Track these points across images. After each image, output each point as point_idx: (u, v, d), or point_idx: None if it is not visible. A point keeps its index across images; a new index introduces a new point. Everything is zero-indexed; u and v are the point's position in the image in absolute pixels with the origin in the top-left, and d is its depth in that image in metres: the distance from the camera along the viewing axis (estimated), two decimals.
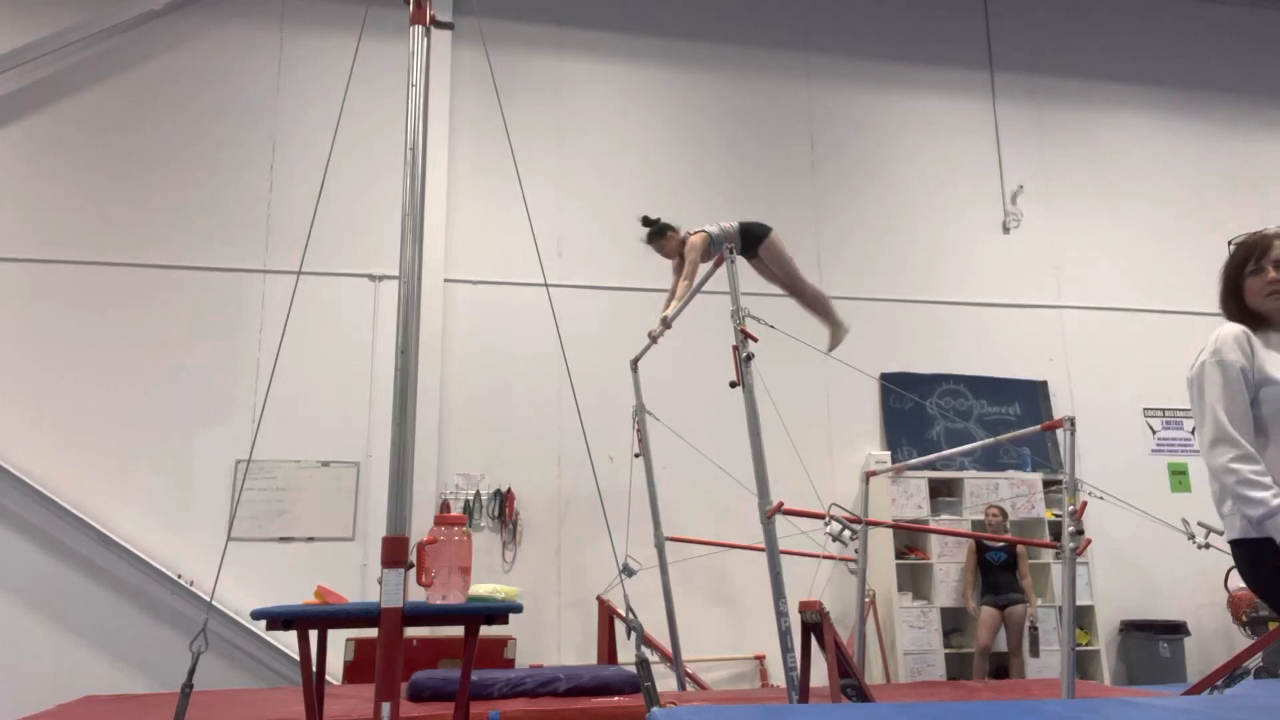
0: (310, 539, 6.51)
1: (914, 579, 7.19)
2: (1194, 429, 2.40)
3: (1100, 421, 7.64)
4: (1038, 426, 5.13)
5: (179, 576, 6.14)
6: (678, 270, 5.09)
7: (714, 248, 4.89)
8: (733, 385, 3.93)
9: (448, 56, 7.20)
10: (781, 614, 3.50)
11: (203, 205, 6.92)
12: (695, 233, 4.95)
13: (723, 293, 4.11)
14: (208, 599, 3.92)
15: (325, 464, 6.64)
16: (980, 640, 6.63)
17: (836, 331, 5.32)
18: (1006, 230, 8.26)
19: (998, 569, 6.76)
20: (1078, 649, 6.74)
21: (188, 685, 3.30)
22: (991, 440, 5.58)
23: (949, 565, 7.03)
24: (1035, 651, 6.72)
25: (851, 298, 7.78)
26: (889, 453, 7.44)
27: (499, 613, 2.89)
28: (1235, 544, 2.32)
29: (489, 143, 7.18)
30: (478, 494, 6.80)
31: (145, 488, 6.36)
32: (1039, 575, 7.12)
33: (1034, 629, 6.74)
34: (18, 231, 6.60)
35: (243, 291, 6.82)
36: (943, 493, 7.30)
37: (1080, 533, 4.11)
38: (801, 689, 3.49)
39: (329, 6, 7.38)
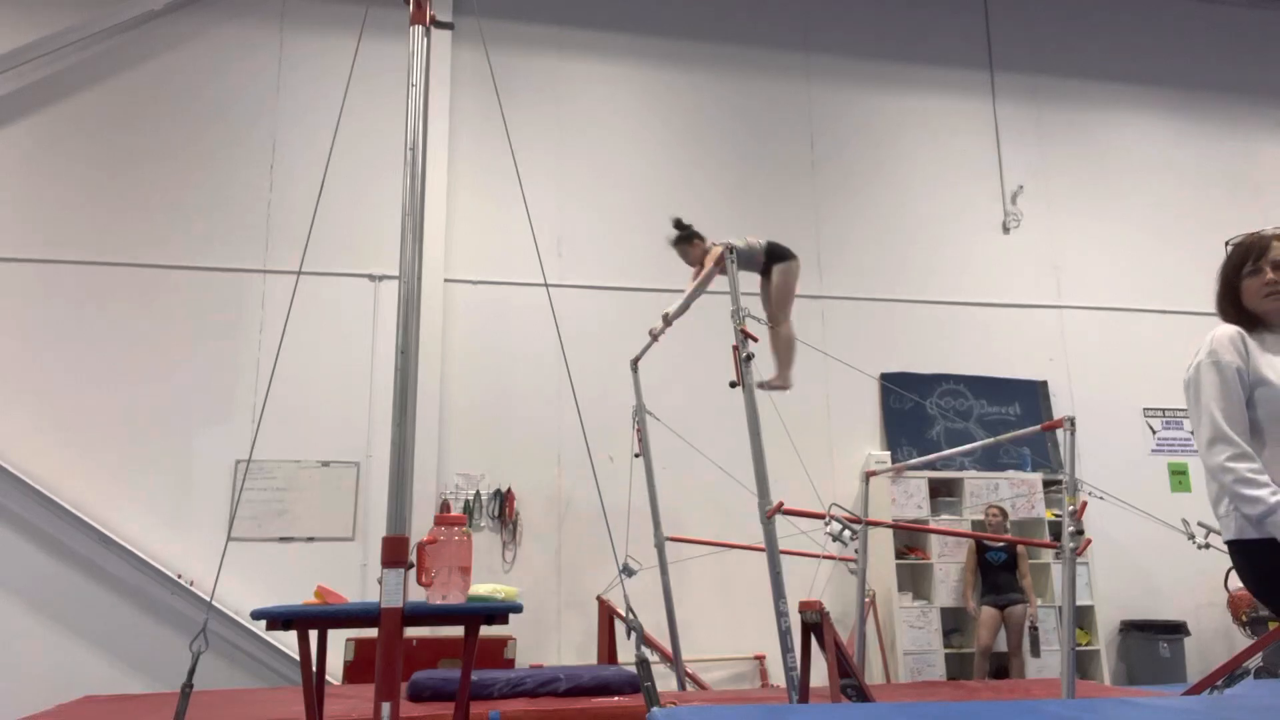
0: (310, 539, 6.51)
1: (914, 579, 7.19)
2: (1193, 430, 2.40)
3: (1100, 421, 7.64)
4: (1038, 426, 5.13)
5: (179, 576, 6.14)
6: (696, 278, 5.04)
7: (716, 253, 4.83)
8: (733, 385, 3.93)
9: (448, 56, 7.20)
10: (781, 614, 3.50)
11: (203, 205, 6.92)
12: (717, 244, 4.87)
13: (723, 293, 4.11)
14: (208, 599, 3.92)
15: (325, 464, 6.64)
16: (980, 640, 6.63)
17: (780, 380, 5.18)
18: (1006, 230, 8.26)
19: (998, 569, 6.76)
20: (1078, 649, 6.74)
21: (188, 685, 3.30)
22: (991, 440, 5.58)
23: (949, 565, 7.03)
24: (1036, 651, 6.72)
25: (851, 298, 7.80)
26: (889, 453, 7.44)
27: (499, 613, 2.89)
28: (1233, 544, 2.32)
29: (489, 143, 7.18)
30: (478, 494, 6.80)
31: (145, 488, 6.36)
32: (1039, 575, 7.13)
33: (1034, 629, 6.74)
34: (18, 231, 6.61)
35: (243, 291, 6.82)
36: (943, 493, 7.30)
37: (1080, 533, 4.11)
38: (801, 689, 3.49)
39: (329, 6, 7.38)
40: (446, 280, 7.06)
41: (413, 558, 2.83)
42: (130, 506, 6.30)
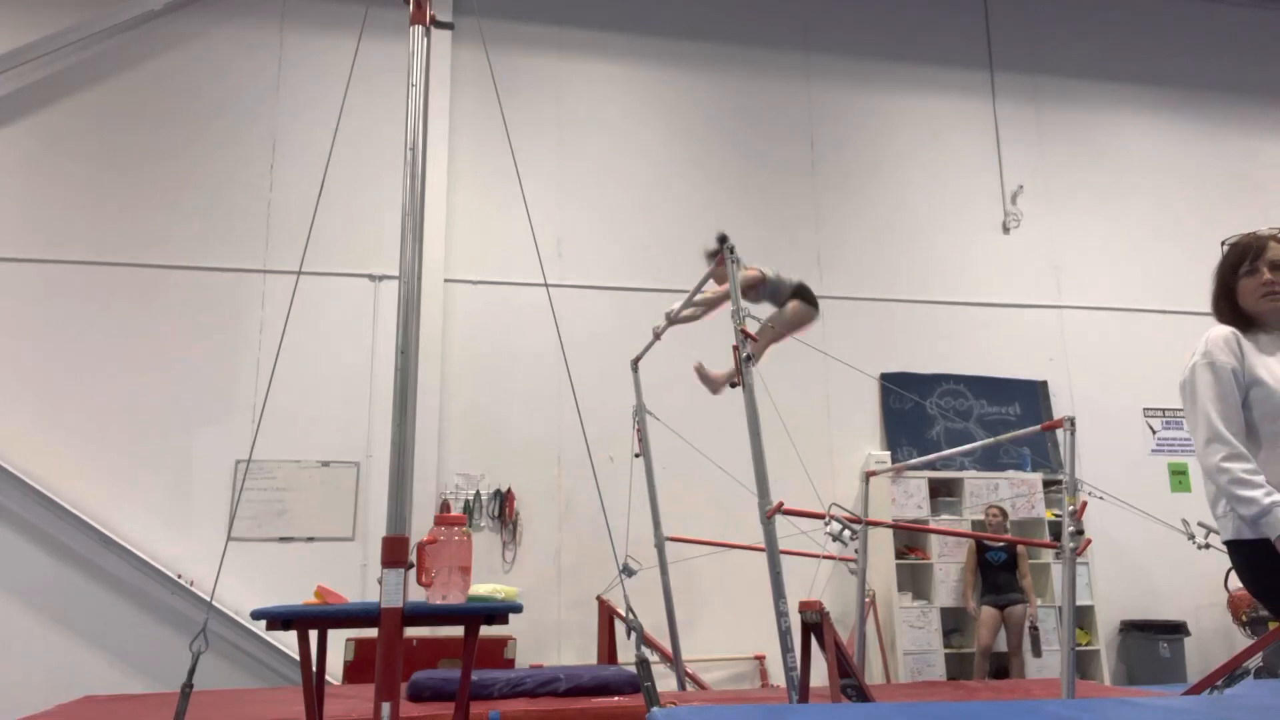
0: (310, 539, 6.51)
1: (914, 579, 7.19)
2: (1189, 431, 2.41)
3: (1100, 421, 7.64)
4: (1038, 426, 5.13)
5: (179, 576, 6.14)
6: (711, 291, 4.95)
7: (761, 289, 4.71)
8: (733, 385, 3.93)
9: (448, 56, 7.20)
10: (781, 614, 3.49)
11: (203, 205, 6.92)
12: (750, 268, 4.79)
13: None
14: (208, 599, 3.92)
15: (325, 464, 6.64)
16: (980, 640, 6.63)
17: (716, 379, 5.02)
18: (1006, 230, 8.26)
19: (998, 569, 6.76)
20: (1078, 649, 6.74)
21: (188, 685, 3.30)
22: (991, 440, 5.57)
23: (949, 565, 7.03)
24: (1037, 651, 6.72)
25: (851, 298, 7.80)
26: (889, 453, 7.45)
27: (499, 613, 2.89)
28: (1231, 544, 2.32)
29: (489, 142, 7.18)
30: (478, 494, 6.80)
31: (145, 488, 6.36)
32: (1039, 575, 7.13)
33: (1034, 629, 6.74)
34: (18, 231, 6.61)
35: (243, 291, 6.82)
36: (943, 493, 7.30)
37: (1080, 533, 4.11)
38: (801, 689, 3.49)
39: (329, 6, 7.38)
40: (446, 280, 7.06)
41: (413, 558, 2.83)
42: (130, 506, 6.30)
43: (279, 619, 2.90)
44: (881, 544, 6.98)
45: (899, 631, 6.81)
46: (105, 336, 6.56)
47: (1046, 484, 7.38)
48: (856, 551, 5.51)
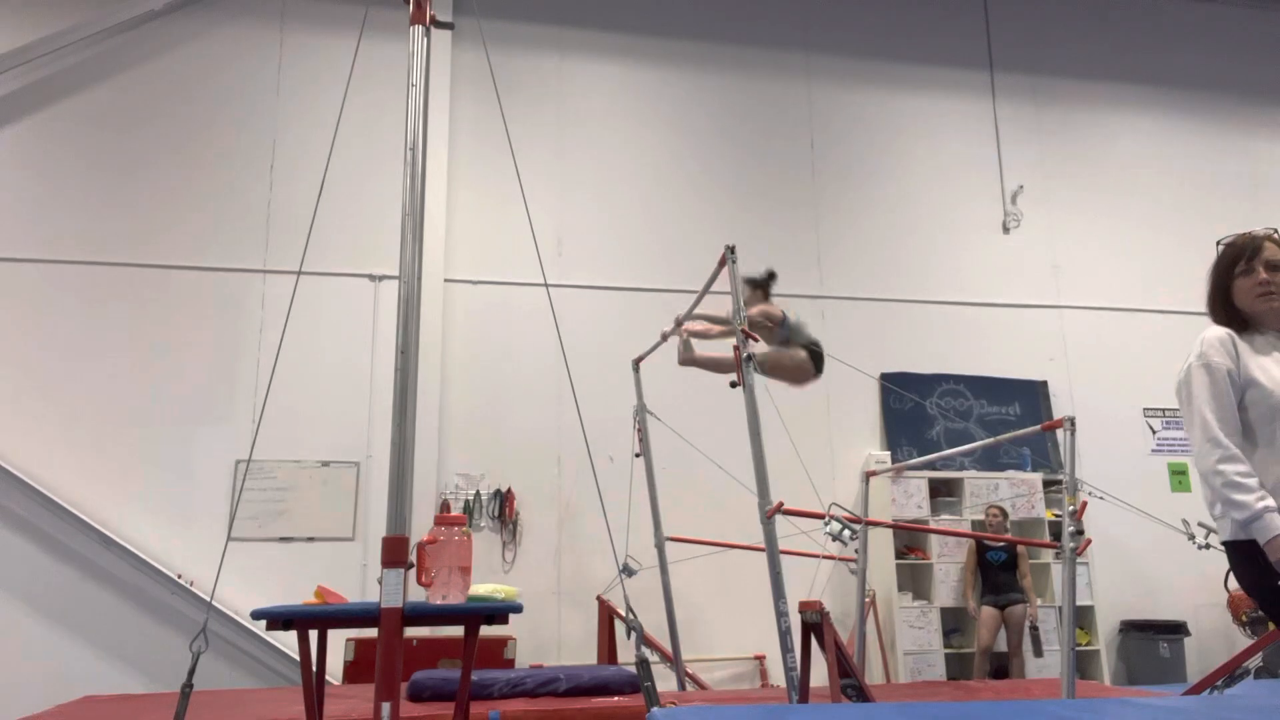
0: (310, 539, 6.51)
1: (914, 579, 7.19)
2: (1185, 432, 2.42)
3: (1100, 421, 7.63)
4: (1038, 426, 5.13)
5: (179, 576, 6.14)
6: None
7: (777, 330, 4.65)
8: (733, 385, 3.92)
9: (448, 56, 7.20)
10: (781, 614, 3.50)
11: (203, 205, 6.92)
12: (774, 305, 4.71)
13: (724, 293, 4.11)
14: (208, 599, 3.92)
15: (325, 464, 6.64)
16: (980, 640, 6.63)
17: (693, 353, 4.99)
18: (1006, 230, 8.26)
19: (998, 569, 6.76)
20: (1078, 649, 6.74)
21: (188, 685, 3.30)
22: (991, 440, 5.58)
23: (949, 565, 7.03)
24: (1039, 651, 6.72)
25: (851, 298, 7.80)
26: (889, 453, 7.45)
27: (499, 613, 2.89)
28: (1229, 545, 2.33)
29: (489, 142, 7.18)
30: (478, 494, 6.80)
31: (145, 488, 6.36)
32: (1039, 575, 7.12)
33: (1035, 629, 6.74)
34: (18, 231, 6.61)
35: (243, 291, 6.82)
36: (943, 493, 7.30)
37: (1080, 533, 4.11)
38: (801, 689, 3.49)
39: (329, 6, 7.38)
40: (446, 280, 7.06)
41: (413, 558, 2.83)
42: (130, 506, 6.30)
43: (279, 619, 2.90)
44: (881, 544, 6.98)
45: (899, 631, 6.81)
46: (105, 336, 6.56)
47: (1046, 484, 7.38)
48: (856, 551, 5.51)
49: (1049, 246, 8.30)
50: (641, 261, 7.46)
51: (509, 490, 6.83)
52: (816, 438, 7.27)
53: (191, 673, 3.29)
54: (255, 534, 6.37)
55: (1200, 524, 4.28)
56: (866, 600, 6.13)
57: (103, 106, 6.94)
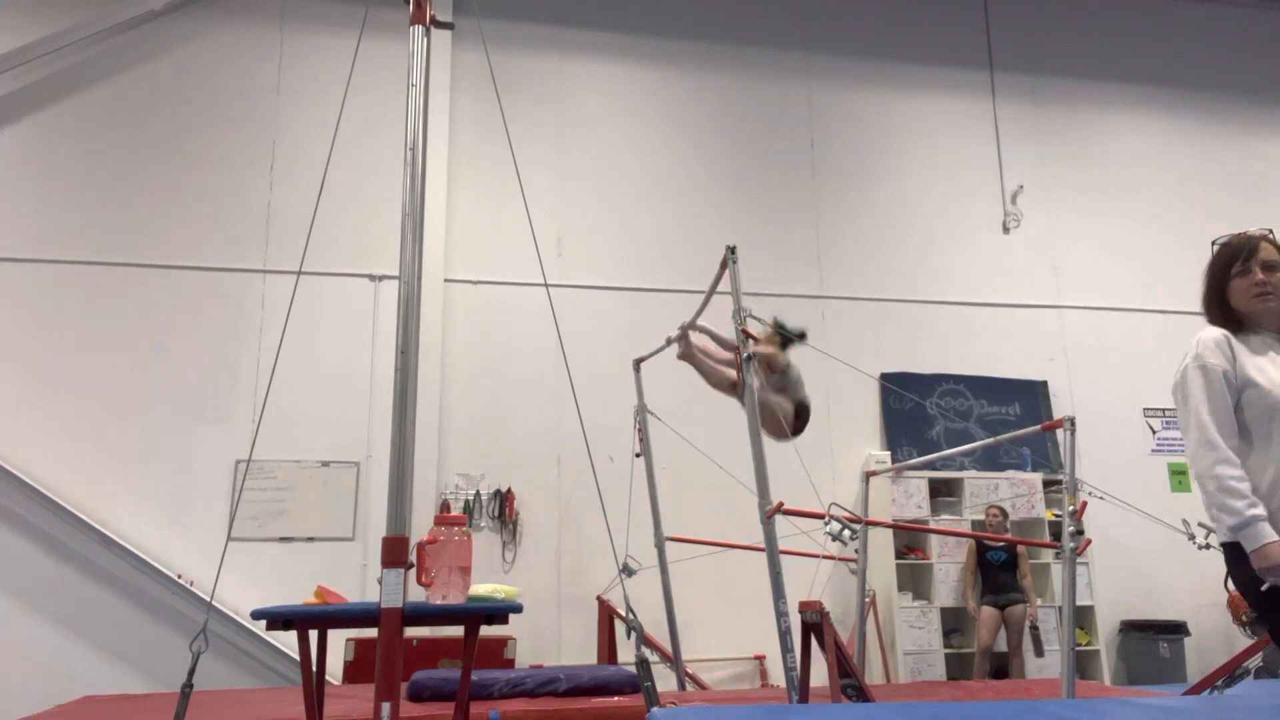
0: (310, 539, 6.51)
1: (914, 579, 7.19)
2: (1181, 434, 2.42)
3: (1100, 421, 7.63)
4: (1038, 426, 5.13)
5: (179, 576, 6.14)
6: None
7: (774, 375, 4.50)
8: (733, 385, 3.92)
9: (448, 56, 7.20)
10: (781, 614, 3.49)
11: (203, 205, 6.92)
12: (779, 350, 4.52)
13: (724, 293, 4.10)
14: (208, 599, 3.92)
15: (325, 464, 6.64)
16: (980, 640, 6.63)
17: (688, 346, 4.83)
18: (1006, 230, 8.26)
19: (998, 569, 6.76)
20: (1078, 649, 6.74)
21: (188, 685, 3.30)
22: (991, 440, 5.57)
23: (949, 565, 7.03)
24: (1040, 651, 6.72)
25: (851, 298, 7.80)
26: (889, 453, 7.44)
27: (499, 613, 2.89)
28: (1225, 546, 2.34)
29: (489, 142, 7.18)
30: (478, 494, 6.80)
31: (145, 488, 6.36)
32: (1039, 575, 7.12)
33: (1035, 629, 6.74)
34: (18, 231, 6.60)
35: (243, 291, 6.82)
36: (943, 493, 7.30)
37: (1080, 533, 4.11)
38: (801, 689, 3.49)
39: (329, 6, 7.38)
40: (446, 280, 7.06)
41: (413, 558, 2.83)
42: (130, 506, 6.30)
43: (279, 619, 2.90)
44: (881, 544, 6.98)
45: (899, 631, 6.81)
46: (105, 336, 6.56)
47: (1046, 484, 7.38)
48: (856, 551, 5.51)
49: (1049, 246, 8.30)
50: (642, 261, 7.46)
51: (509, 490, 6.83)
52: (816, 438, 7.22)
53: (191, 673, 3.29)
54: (255, 534, 6.37)
55: (1200, 524, 4.26)
56: (866, 600, 6.12)
57: (103, 106, 6.94)
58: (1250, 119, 9.00)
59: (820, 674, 3.57)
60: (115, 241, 6.72)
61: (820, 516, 3.87)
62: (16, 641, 6.00)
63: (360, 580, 6.32)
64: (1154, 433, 8.04)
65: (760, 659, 6.83)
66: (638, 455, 5.72)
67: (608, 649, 6.33)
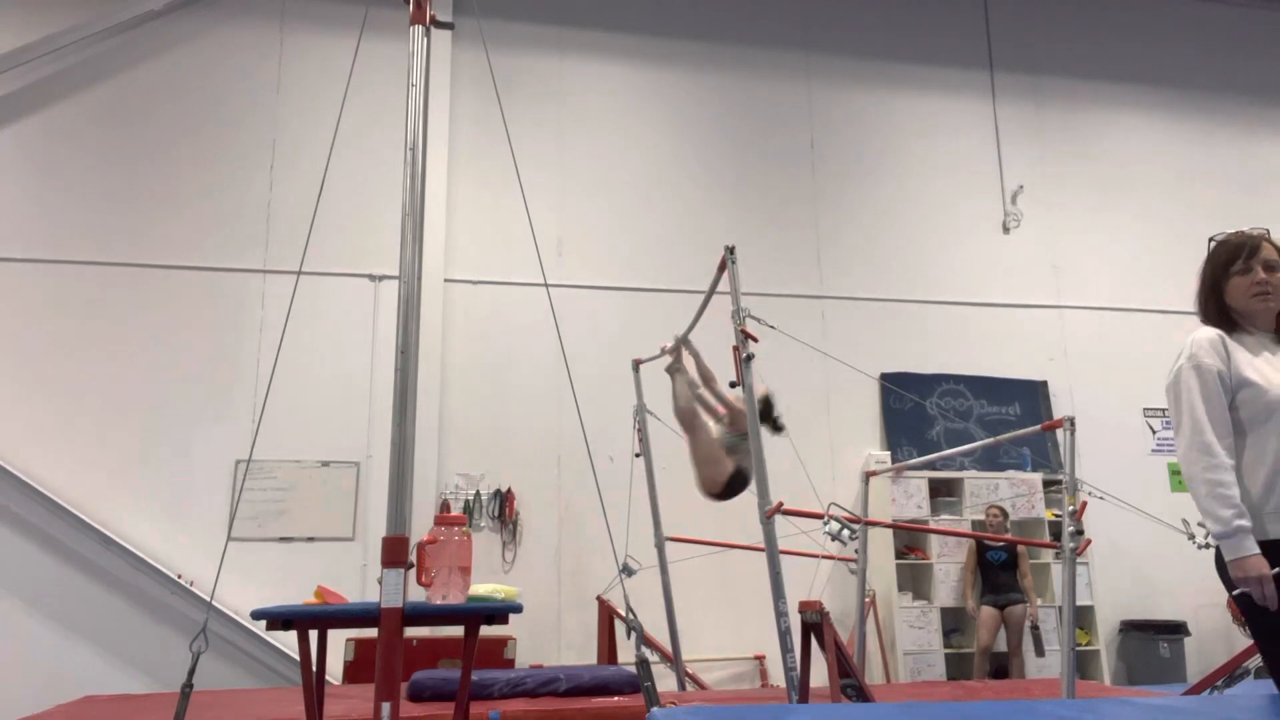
0: (310, 539, 6.51)
1: (914, 579, 7.19)
2: (1173, 433, 2.42)
3: (1100, 421, 7.63)
4: (1038, 426, 5.13)
5: (179, 576, 6.14)
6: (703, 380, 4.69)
7: (735, 433, 4.40)
8: (733, 385, 3.92)
9: (448, 56, 7.20)
10: (781, 614, 3.49)
11: (203, 205, 6.92)
12: (736, 401, 4.36)
13: (723, 293, 4.10)
14: (208, 599, 3.92)
15: (325, 464, 6.64)
16: (980, 640, 6.63)
17: (679, 362, 4.72)
18: (1006, 230, 8.26)
19: (998, 569, 6.76)
20: (1078, 649, 6.74)
21: (188, 685, 3.30)
22: (991, 440, 5.58)
23: (949, 565, 7.03)
24: (1040, 651, 6.72)
25: (851, 298, 7.80)
26: (889, 453, 7.44)
27: (499, 613, 2.89)
28: (1216, 547, 2.34)
29: (489, 143, 7.18)
30: (478, 494, 6.80)
31: (145, 488, 6.36)
32: (1039, 575, 7.12)
33: (1036, 629, 6.74)
34: (18, 231, 6.60)
35: (243, 291, 6.82)
36: (943, 493, 7.30)
37: (1080, 533, 4.11)
38: (801, 689, 3.49)
39: (329, 6, 7.38)
40: (446, 280, 7.06)
41: (413, 558, 2.83)
42: (130, 506, 6.30)
43: (279, 619, 2.90)
44: (881, 544, 6.98)
45: (899, 631, 6.81)
46: (105, 336, 6.55)
47: (1046, 484, 7.38)
48: (856, 551, 5.51)
49: (1049, 246, 8.30)
50: (642, 261, 7.46)
51: (509, 490, 6.83)
52: (816, 438, 7.27)
53: (191, 673, 3.29)
54: (255, 534, 6.37)
55: (1200, 524, 4.26)
56: (866, 600, 6.12)
57: (103, 106, 6.94)
58: (1250, 119, 9.00)
59: (820, 674, 3.57)
60: (115, 241, 6.72)
61: (820, 516, 3.88)
62: (17, 641, 6.00)
63: (360, 580, 6.32)
64: (1154, 433, 8.04)
65: (760, 659, 6.83)
66: (638, 455, 5.72)
67: (608, 649, 6.33)
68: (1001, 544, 6.72)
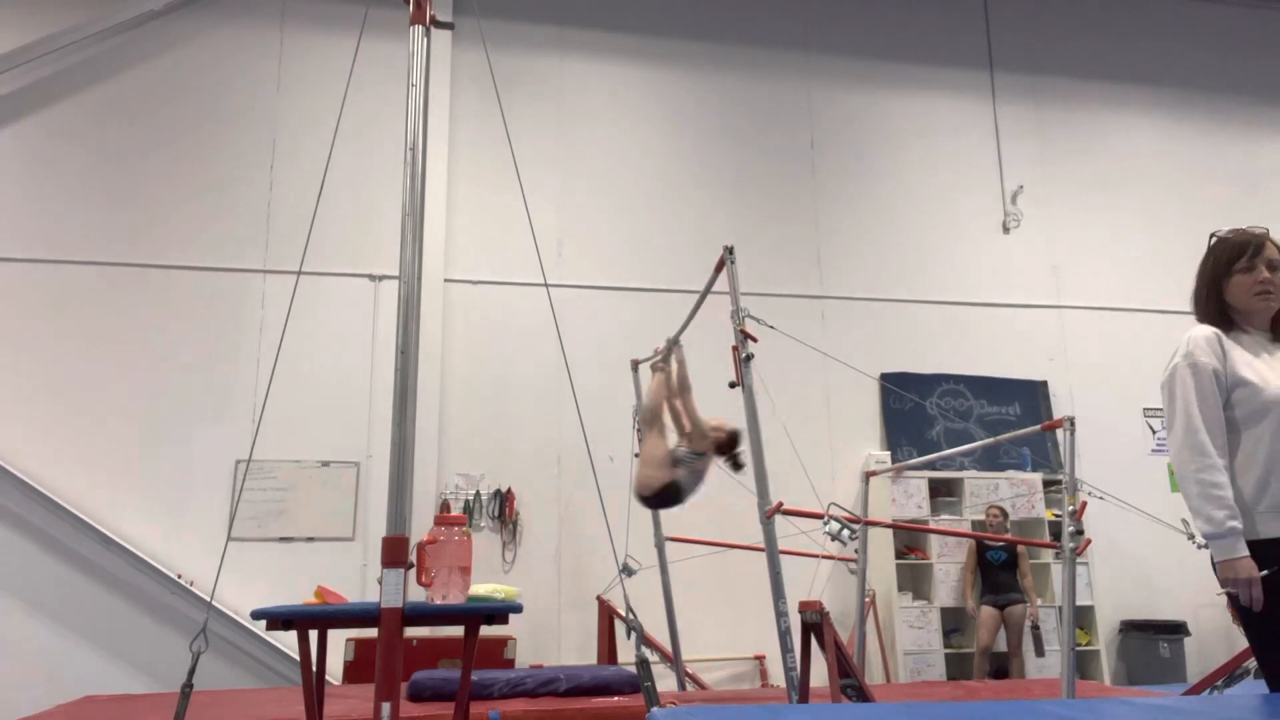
0: (310, 539, 6.51)
1: (914, 579, 7.18)
2: (1166, 430, 2.41)
3: (1100, 421, 7.63)
4: (1038, 426, 5.13)
5: (179, 576, 6.14)
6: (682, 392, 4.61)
7: (693, 451, 4.32)
8: (732, 386, 3.92)
9: (448, 56, 7.20)
10: (781, 614, 3.49)
11: (203, 205, 6.92)
12: (695, 439, 4.34)
13: (723, 293, 4.10)
14: (208, 599, 3.92)
15: (325, 464, 6.64)
16: (980, 640, 6.63)
17: (666, 367, 4.65)
18: (1006, 230, 8.26)
19: (998, 569, 6.76)
20: (1078, 649, 6.74)
21: (188, 685, 3.31)
22: (991, 440, 5.57)
23: (949, 565, 7.03)
24: (1040, 651, 6.72)
25: (851, 298, 7.80)
26: (889, 453, 7.44)
27: (499, 613, 2.89)
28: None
29: (489, 143, 7.18)
30: (478, 494, 6.80)
31: (145, 488, 6.36)
32: (1039, 575, 7.12)
33: (1036, 629, 6.74)
34: (17, 231, 6.60)
35: (243, 291, 6.82)
36: (943, 493, 7.29)
37: (1080, 533, 4.11)
38: (801, 689, 3.49)
39: (329, 6, 7.38)
40: (446, 280, 7.06)
41: (413, 558, 2.84)
42: (130, 506, 6.30)
43: (279, 619, 2.90)
44: (881, 544, 6.98)
45: (899, 631, 6.81)
46: (104, 336, 6.55)
47: (1046, 484, 7.37)
48: (856, 551, 5.51)
49: (1049, 246, 8.30)
50: (641, 261, 7.46)
51: (509, 490, 6.83)
52: (816, 438, 7.27)
53: (191, 673, 3.29)
54: (255, 534, 6.37)
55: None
56: (866, 600, 6.12)
57: (103, 106, 6.94)
58: (1251, 118, 9.00)
59: (820, 674, 3.58)
60: (115, 241, 6.72)
61: (820, 516, 3.88)
62: (16, 641, 6.00)
63: (360, 580, 6.32)
64: (1154, 433, 8.04)
65: (760, 659, 6.83)
66: (637, 455, 5.71)
67: (608, 649, 6.33)
68: (1001, 544, 6.72)
